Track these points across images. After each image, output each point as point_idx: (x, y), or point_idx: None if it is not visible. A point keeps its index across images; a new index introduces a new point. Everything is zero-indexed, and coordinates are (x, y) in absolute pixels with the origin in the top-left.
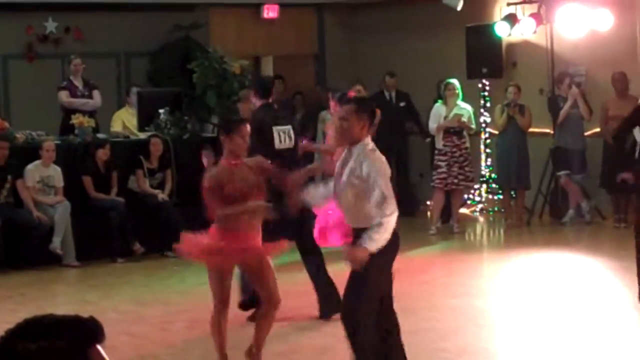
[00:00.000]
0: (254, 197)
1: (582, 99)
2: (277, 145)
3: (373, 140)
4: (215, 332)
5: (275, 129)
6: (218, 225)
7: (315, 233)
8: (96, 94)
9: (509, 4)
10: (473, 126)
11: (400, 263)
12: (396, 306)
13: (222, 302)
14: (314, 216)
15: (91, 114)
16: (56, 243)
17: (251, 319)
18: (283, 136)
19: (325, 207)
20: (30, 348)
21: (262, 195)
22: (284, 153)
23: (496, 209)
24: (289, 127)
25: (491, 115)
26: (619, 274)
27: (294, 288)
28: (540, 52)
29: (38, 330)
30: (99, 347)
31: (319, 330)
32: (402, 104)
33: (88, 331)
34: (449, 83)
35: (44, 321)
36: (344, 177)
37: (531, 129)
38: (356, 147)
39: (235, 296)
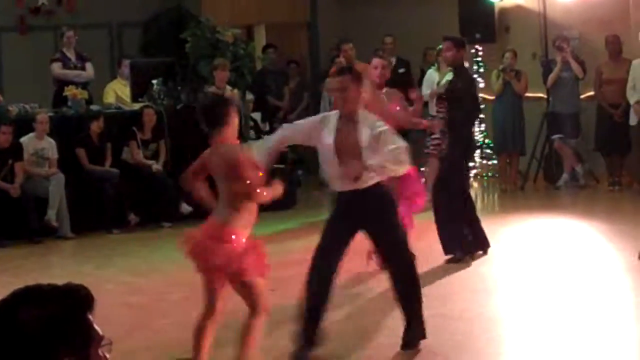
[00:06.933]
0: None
1: (573, 59)
2: None
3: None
4: None
5: None
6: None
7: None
8: (89, 65)
9: None
10: None
11: None
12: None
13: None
14: None
15: (84, 85)
16: (51, 215)
17: None
18: None
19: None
20: (33, 314)
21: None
22: None
23: (491, 174)
24: None
25: (484, 81)
26: (613, 237)
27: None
28: (533, 16)
29: (34, 298)
30: (89, 315)
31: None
32: (401, 71)
33: (81, 299)
34: (442, 49)
35: (42, 289)
36: (365, 144)
37: (525, 94)
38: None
39: None
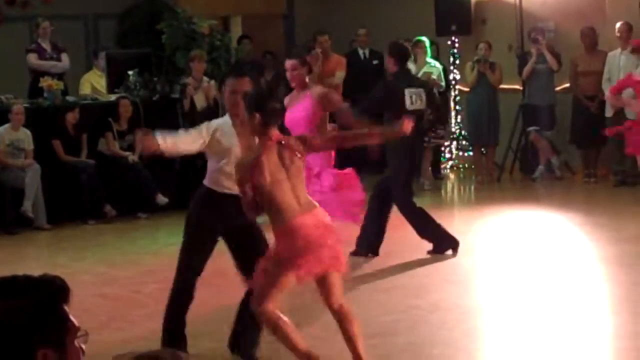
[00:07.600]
0: None
1: (548, 51)
2: (409, 106)
3: (347, 97)
4: None
5: (407, 91)
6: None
7: None
8: (65, 56)
9: None
10: (443, 84)
11: None
12: (369, 263)
13: None
14: None
15: (60, 76)
16: (27, 206)
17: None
18: (415, 98)
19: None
20: (8, 305)
21: None
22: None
23: (466, 165)
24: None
25: (461, 73)
26: (588, 228)
27: None
28: (509, 9)
29: (9, 288)
30: (65, 307)
31: None
32: (375, 62)
33: (56, 289)
34: (418, 41)
35: (18, 280)
36: None
37: (501, 86)
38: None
39: None
